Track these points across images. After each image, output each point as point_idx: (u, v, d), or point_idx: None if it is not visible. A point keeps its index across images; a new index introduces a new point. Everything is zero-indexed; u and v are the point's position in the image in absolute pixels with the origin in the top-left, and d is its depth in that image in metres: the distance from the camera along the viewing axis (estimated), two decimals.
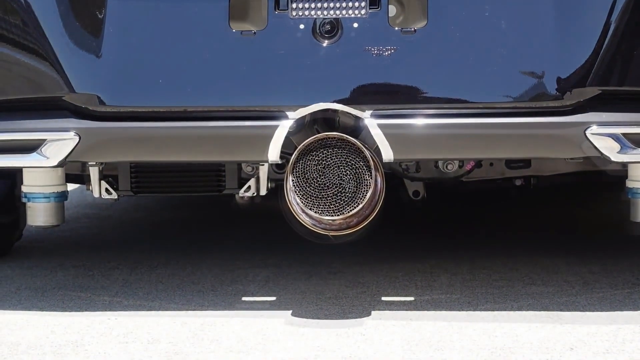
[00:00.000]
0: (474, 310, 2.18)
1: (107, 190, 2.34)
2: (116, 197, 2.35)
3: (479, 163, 2.55)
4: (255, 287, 2.43)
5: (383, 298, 2.30)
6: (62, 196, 2.40)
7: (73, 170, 2.52)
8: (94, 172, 2.33)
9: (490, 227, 3.27)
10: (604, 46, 2.11)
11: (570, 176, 2.73)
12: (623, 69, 2.15)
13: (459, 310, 2.18)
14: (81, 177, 2.59)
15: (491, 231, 3.18)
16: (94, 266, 2.70)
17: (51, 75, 2.17)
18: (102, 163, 2.31)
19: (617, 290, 2.35)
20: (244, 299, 2.31)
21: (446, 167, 2.49)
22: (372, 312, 2.17)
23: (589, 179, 2.86)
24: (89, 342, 1.96)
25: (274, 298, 2.32)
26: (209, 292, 2.38)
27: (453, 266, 2.64)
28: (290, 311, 2.19)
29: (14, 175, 2.63)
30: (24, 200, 2.40)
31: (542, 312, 2.14)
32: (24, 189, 2.40)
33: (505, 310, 2.17)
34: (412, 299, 2.29)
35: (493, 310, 2.17)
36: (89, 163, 2.27)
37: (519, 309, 2.18)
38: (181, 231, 3.26)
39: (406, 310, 2.18)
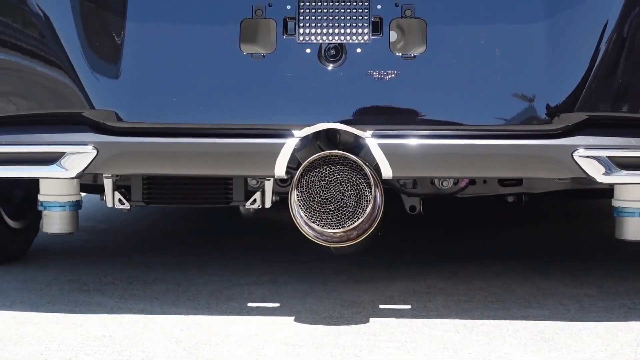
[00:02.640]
0: (469, 332, 2.17)
1: (120, 200, 2.45)
2: (129, 207, 2.47)
3: (472, 180, 2.68)
4: (250, 305, 2.42)
5: (378, 319, 2.29)
6: (77, 205, 2.58)
7: (86, 181, 2.62)
8: (107, 183, 2.45)
9: (487, 245, 3.26)
10: (592, 74, 2.23)
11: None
12: (609, 95, 2.27)
13: (454, 332, 2.17)
14: (94, 187, 2.70)
15: (489, 250, 3.18)
16: (89, 281, 2.69)
17: (73, 92, 2.29)
18: (117, 175, 2.41)
19: (613, 314, 2.34)
20: (239, 317, 2.31)
21: (442, 183, 2.64)
22: (367, 333, 2.16)
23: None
24: None
25: (269, 317, 2.31)
26: (204, 310, 2.37)
27: (449, 286, 2.63)
28: (286, 330, 2.18)
29: (31, 183, 2.74)
30: (40, 208, 2.54)
31: (538, 336, 2.14)
32: (40, 197, 2.55)
33: (500, 333, 2.16)
34: (407, 320, 2.28)
35: (488, 333, 2.16)
36: (104, 175, 2.37)
37: (515, 332, 2.17)
38: (178, 245, 3.26)
39: (401, 331, 2.18)
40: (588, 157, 2.24)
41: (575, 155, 2.24)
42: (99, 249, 3.19)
